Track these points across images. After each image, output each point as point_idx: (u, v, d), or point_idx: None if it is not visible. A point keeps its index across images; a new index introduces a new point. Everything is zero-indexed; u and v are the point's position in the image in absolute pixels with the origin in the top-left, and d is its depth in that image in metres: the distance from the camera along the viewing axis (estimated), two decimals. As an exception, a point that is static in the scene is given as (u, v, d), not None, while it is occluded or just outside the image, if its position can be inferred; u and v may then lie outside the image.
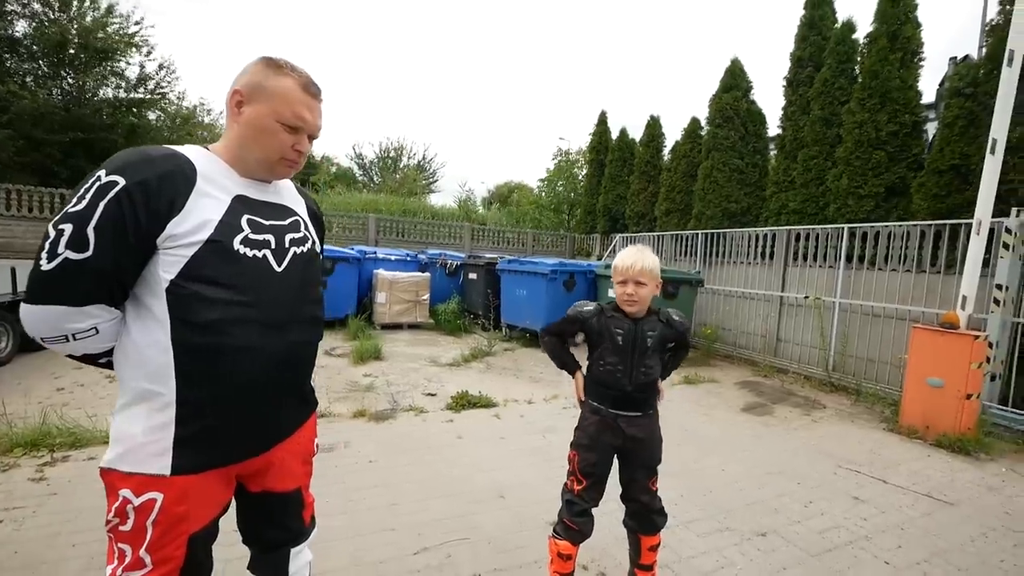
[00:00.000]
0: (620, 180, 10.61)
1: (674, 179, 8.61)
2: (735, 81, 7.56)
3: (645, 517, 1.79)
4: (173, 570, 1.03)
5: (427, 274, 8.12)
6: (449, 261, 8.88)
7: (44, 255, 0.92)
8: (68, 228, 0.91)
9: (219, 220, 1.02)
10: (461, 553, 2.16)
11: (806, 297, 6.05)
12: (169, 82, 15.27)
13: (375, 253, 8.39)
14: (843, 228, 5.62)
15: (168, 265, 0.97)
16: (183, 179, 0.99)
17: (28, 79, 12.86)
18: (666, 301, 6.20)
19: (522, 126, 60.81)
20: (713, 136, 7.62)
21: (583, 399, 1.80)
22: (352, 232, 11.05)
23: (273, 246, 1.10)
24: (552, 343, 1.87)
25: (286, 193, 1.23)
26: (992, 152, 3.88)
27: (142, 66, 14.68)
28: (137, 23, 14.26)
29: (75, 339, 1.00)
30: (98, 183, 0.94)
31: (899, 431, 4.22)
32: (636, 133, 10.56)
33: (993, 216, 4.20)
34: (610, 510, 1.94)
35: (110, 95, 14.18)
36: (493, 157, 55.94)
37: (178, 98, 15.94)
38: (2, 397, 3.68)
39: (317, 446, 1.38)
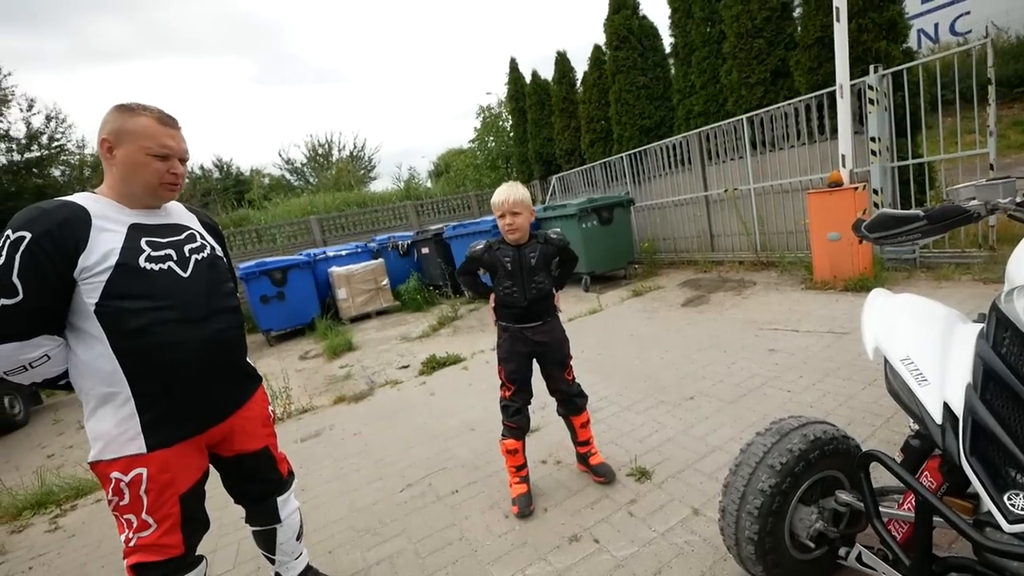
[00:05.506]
0: (544, 123, 10.73)
1: (591, 110, 8.80)
2: (622, 0, 7.65)
3: (569, 401, 2.21)
4: (174, 525, 1.32)
5: (380, 260, 8.27)
6: (399, 242, 9.02)
7: None
8: None
9: (121, 247, 1.24)
10: (440, 480, 2.55)
11: (724, 191, 6.51)
12: (63, 132, 14.30)
13: (325, 252, 8.45)
14: (742, 119, 6.01)
15: (90, 292, 1.19)
16: (80, 221, 1.19)
17: None
18: (604, 227, 6.58)
19: (448, 92, 58.85)
20: (614, 60, 7.79)
21: (496, 316, 2.16)
22: (298, 238, 10.97)
23: (175, 258, 1.34)
24: (467, 280, 2.26)
25: (176, 214, 1.46)
26: (838, 20, 4.24)
27: (28, 123, 13.66)
28: None
29: (32, 367, 1.22)
30: (8, 240, 1.13)
31: (814, 287, 4.80)
32: (548, 72, 10.58)
33: (855, 77, 4.62)
34: (556, 419, 2.36)
35: (3, 161, 13.25)
36: (429, 130, 54.29)
37: (78, 147, 14.96)
38: (-2, 475, 3.84)
39: (273, 411, 1.70)
